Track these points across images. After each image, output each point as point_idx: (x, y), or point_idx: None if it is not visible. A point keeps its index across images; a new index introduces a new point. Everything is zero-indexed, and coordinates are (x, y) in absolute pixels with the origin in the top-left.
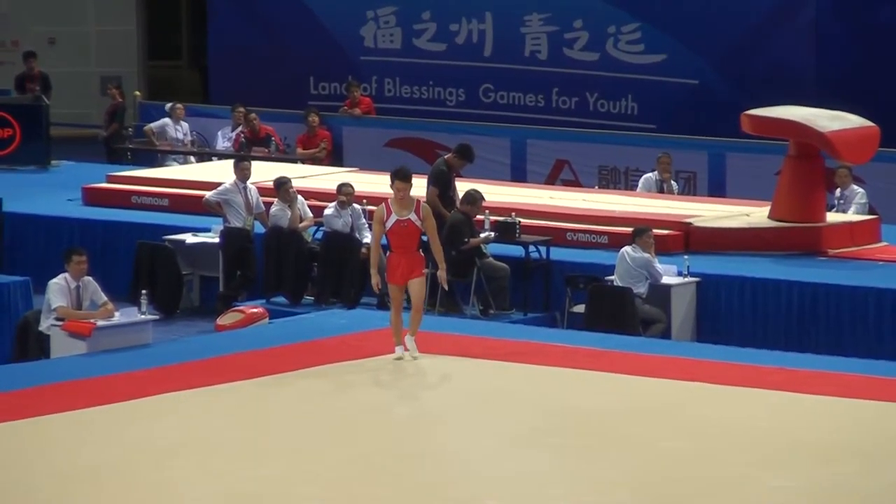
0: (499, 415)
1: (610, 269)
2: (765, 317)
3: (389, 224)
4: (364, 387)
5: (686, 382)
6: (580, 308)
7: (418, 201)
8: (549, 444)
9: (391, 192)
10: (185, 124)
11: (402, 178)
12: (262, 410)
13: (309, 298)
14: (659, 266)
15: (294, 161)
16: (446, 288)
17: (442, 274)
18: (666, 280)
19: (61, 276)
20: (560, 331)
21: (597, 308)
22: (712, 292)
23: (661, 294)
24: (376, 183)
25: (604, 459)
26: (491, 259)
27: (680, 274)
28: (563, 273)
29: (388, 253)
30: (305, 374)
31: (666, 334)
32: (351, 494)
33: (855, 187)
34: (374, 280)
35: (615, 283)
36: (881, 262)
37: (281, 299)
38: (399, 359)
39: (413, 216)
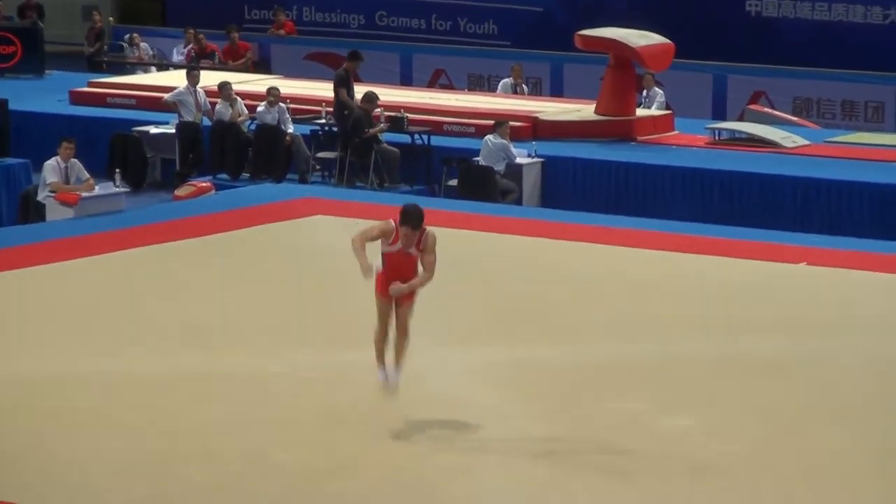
0: None
1: (476, 152)
2: (592, 188)
3: (392, 249)
4: (289, 242)
5: (534, 238)
6: (454, 182)
7: (422, 232)
8: (428, 286)
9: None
10: (143, 44)
11: (413, 225)
12: (213, 260)
13: (246, 175)
14: (513, 150)
15: (232, 71)
16: (399, 291)
17: (402, 287)
18: (519, 160)
19: (54, 158)
20: (438, 199)
21: (466, 182)
22: (553, 169)
23: (514, 171)
24: (297, 87)
25: (465, 298)
26: (385, 145)
27: (529, 155)
28: (440, 155)
29: (379, 272)
30: (246, 232)
31: (518, 202)
32: (287, 324)
33: (657, 89)
34: (364, 263)
35: (480, 163)
36: (675, 146)
37: (224, 176)
38: (384, 384)
39: (413, 250)
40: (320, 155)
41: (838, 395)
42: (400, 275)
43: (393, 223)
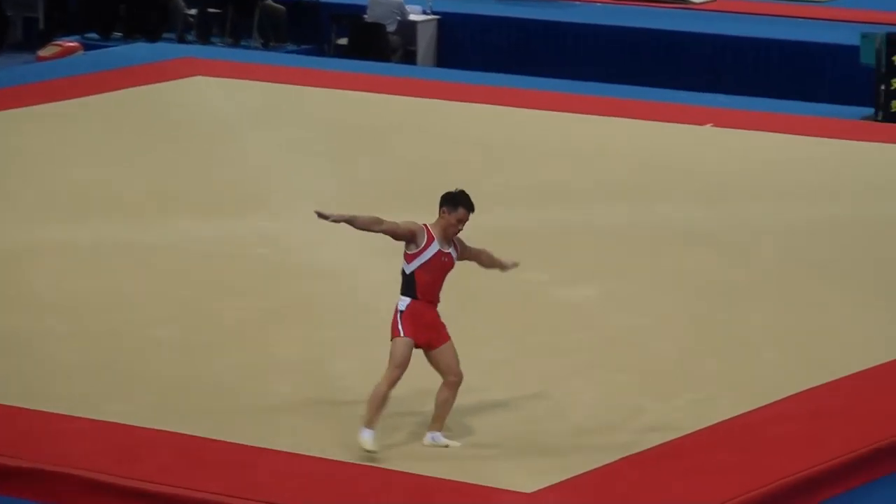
0: (276, 128)
1: (366, 9)
2: (491, 46)
3: (428, 255)
4: (166, 105)
5: (429, 100)
6: (343, 41)
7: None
8: (314, 150)
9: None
10: None
11: (470, 206)
12: (85, 125)
13: (118, 34)
14: (406, 6)
15: None
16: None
17: (508, 263)
18: (412, 17)
19: None
20: (327, 59)
21: (356, 40)
22: (450, 27)
23: (408, 29)
24: None
25: (355, 162)
26: (270, 1)
27: (424, 12)
28: (328, 12)
29: (409, 301)
30: (120, 94)
31: (413, 61)
32: (166, 191)
33: None
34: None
35: (370, 20)
36: (578, 2)
37: (93, 35)
38: (372, 451)
39: (453, 251)
40: (193, 11)
41: (748, 263)
42: (435, 287)
43: (422, 226)
